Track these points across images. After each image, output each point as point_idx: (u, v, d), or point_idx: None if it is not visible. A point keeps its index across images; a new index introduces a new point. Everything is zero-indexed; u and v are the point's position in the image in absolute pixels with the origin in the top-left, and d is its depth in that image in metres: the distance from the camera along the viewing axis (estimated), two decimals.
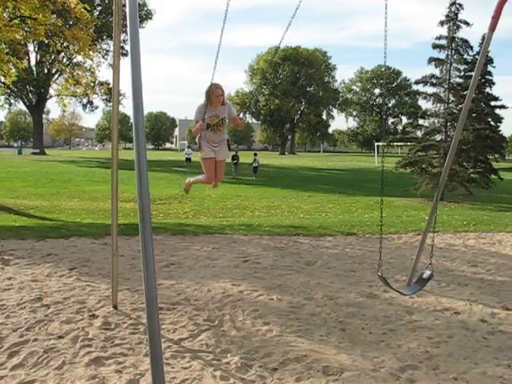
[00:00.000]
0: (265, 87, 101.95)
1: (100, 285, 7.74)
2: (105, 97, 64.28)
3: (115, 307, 6.72)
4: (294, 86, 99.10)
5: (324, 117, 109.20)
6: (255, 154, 37.03)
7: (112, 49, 6.86)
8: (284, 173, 42.32)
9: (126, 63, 6.89)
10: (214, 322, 6.33)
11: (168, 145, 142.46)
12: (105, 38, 60.94)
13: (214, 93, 6.21)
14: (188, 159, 48.35)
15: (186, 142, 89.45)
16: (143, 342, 5.60)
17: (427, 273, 6.50)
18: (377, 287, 7.85)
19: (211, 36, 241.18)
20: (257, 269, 8.99)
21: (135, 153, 3.40)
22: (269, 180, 34.64)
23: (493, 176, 26.02)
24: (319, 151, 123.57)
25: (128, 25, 3.45)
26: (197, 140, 6.56)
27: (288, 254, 10.23)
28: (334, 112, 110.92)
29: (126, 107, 66.93)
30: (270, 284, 8.03)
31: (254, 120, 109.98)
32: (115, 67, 6.07)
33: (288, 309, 6.88)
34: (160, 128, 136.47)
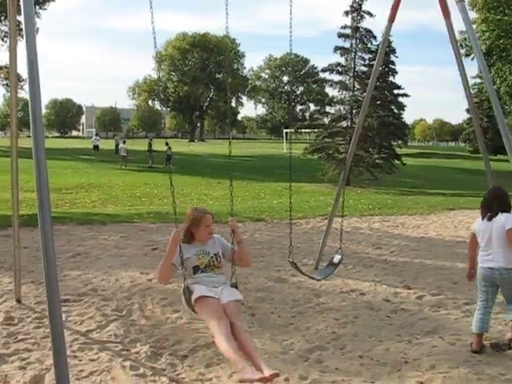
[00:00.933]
0: (173, 74, 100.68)
1: (2, 278, 7.44)
2: (5, 82, 61.24)
3: (18, 301, 6.48)
4: (203, 73, 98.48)
5: (233, 104, 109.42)
6: (167, 144, 36.78)
7: None
8: (194, 160, 42.11)
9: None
10: (122, 311, 6.24)
11: (75, 132, 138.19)
12: (2, 18, 57.90)
13: (204, 221, 4.72)
14: (96, 146, 47.00)
15: (93, 129, 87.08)
16: (49, 336, 5.43)
17: (337, 257, 6.69)
18: (285, 271, 7.99)
19: (116, 20, 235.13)
20: None
21: (32, 140, 3.26)
22: (179, 168, 34.39)
23: (396, 161, 27.08)
24: (228, 138, 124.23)
25: (22, 4, 3.29)
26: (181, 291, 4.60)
27: None
28: (243, 99, 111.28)
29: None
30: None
31: (162, 107, 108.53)
32: (12, 50, 5.80)
33: None
34: (66, 115, 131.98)
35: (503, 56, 35.13)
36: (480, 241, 5.50)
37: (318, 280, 6.90)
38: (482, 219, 5.47)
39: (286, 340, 5.55)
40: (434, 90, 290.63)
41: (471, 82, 49.06)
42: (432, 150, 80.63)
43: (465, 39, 35.94)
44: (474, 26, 36.36)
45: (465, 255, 9.70)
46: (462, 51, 30.82)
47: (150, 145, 36.49)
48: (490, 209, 5.39)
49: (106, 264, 8.33)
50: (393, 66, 32.50)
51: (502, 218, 5.28)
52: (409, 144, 76.75)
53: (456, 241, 11.33)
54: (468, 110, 65.66)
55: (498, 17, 33.88)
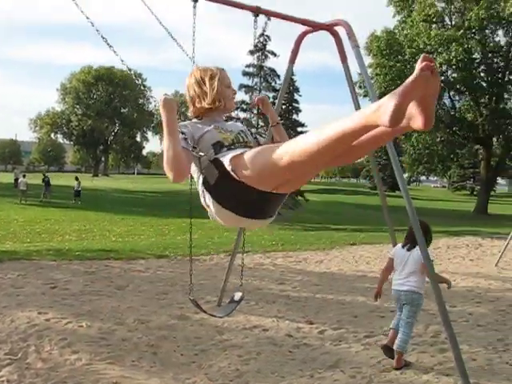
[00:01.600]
0: (78, 107, 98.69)
1: None
2: None
3: None
4: (108, 107, 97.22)
5: (138, 139, 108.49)
6: (77, 178, 35.92)
7: None
8: (97, 195, 41.16)
9: None
10: (17, 354, 5.91)
11: None
12: None
13: (223, 81, 3.37)
14: None
15: None
16: None
17: (238, 294, 6.67)
18: (188, 309, 7.89)
19: (16, 50, 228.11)
20: (65, 295, 8.59)
21: None
22: (81, 203, 33.52)
23: (299, 197, 27.68)
24: (133, 173, 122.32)
25: None
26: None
27: (99, 279, 9.92)
28: (149, 134, 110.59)
29: None
30: (80, 310, 7.71)
31: (65, 140, 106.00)
32: None
33: (98, 335, 6.65)
34: None
35: None
36: (396, 266, 6.27)
37: (220, 317, 6.86)
38: (403, 247, 6.27)
39: (189, 379, 5.46)
40: None
41: None
42: (335, 186, 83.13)
43: (363, 81, 37.78)
44: (370, 70, 38.36)
45: (364, 289, 10.11)
46: (361, 91, 32.31)
47: (44, 178, 35.55)
48: (412, 240, 6.07)
49: (1, 304, 7.90)
50: (296, 105, 33.48)
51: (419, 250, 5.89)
52: (312, 180, 78.79)
53: (357, 275, 11.65)
54: None
55: (391, 63, 35.88)
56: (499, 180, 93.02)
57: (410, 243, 6.18)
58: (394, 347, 6.03)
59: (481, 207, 38.77)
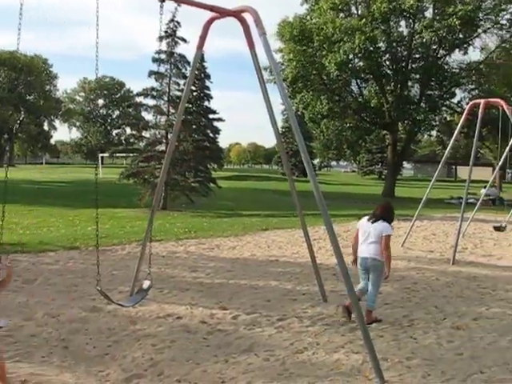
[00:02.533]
0: None
1: None
2: None
3: None
4: (11, 94, 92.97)
5: (46, 127, 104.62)
6: None
7: None
8: (1, 187, 39.41)
9: None
10: None
11: None
12: None
13: None
14: None
15: None
16: None
17: (147, 283, 6.62)
18: (100, 300, 7.73)
19: None
20: None
21: None
22: None
23: (212, 184, 27.65)
24: (41, 163, 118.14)
25: None
26: None
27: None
28: (57, 122, 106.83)
29: None
30: None
31: None
32: None
33: (4, 333, 6.39)
34: None
35: (308, 84, 37.77)
36: (361, 236, 7.32)
37: (127, 307, 6.79)
38: (368, 220, 7.31)
39: (102, 371, 5.39)
40: (249, 115, 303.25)
41: (282, 107, 51.92)
42: (248, 172, 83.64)
43: None
44: (279, 56, 38.75)
45: (277, 273, 10.30)
46: (272, 77, 32.59)
47: None
48: (376, 215, 7.24)
49: None
50: (208, 91, 33.30)
51: (381, 225, 7.14)
52: (225, 167, 78.95)
53: (269, 260, 11.84)
54: (280, 135, 69.44)
55: (304, 47, 36.41)
56: (405, 164, 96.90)
57: (374, 218, 7.23)
58: (366, 307, 7.10)
59: (388, 190, 40.15)
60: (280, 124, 70.66)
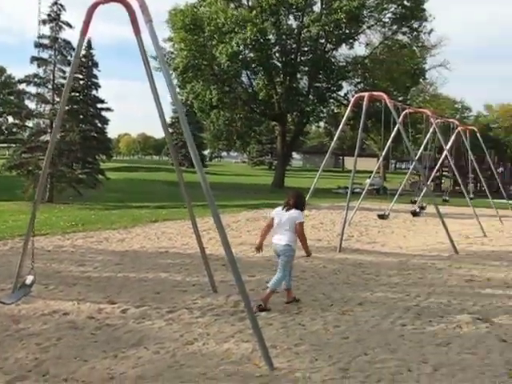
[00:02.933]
0: None
1: None
2: None
3: None
4: None
5: None
6: None
7: None
8: None
9: None
10: None
11: None
12: None
13: None
14: None
15: None
16: None
17: (30, 278, 6.36)
18: None
19: None
20: None
21: None
22: None
23: (100, 176, 26.99)
24: None
25: None
26: None
27: None
28: None
29: None
30: None
31: None
32: None
33: None
34: None
35: (198, 74, 37.65)
36: (275, 224, 7.68)
37: (9, 304, 6.49)
38: (282, 209, 7.70)
39: None
40: (139, 105, 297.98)
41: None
42: (137, 163, 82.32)
43: (164, 54, 37.68)
44: (169, 45, 38.30)
45: (167, 265, 10.26)
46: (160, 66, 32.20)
47: None
48: (289, 204, 7.64)
49: None
50: (95, 80, 32.39)
51: (295, 212, 7.56)
52: (114, 158, 77.15)
53: (159, 252, 11.74)
54: (170, 125, 68.80)
55: (195, 37, 36.21)
56: (294, 155, 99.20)
57: (288, 206, 7.66)
58: (268, 286, 7.60)
59: (278, 181, 40.97)
60: (170, 114, 70.13)
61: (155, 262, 10.55)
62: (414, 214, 17.87)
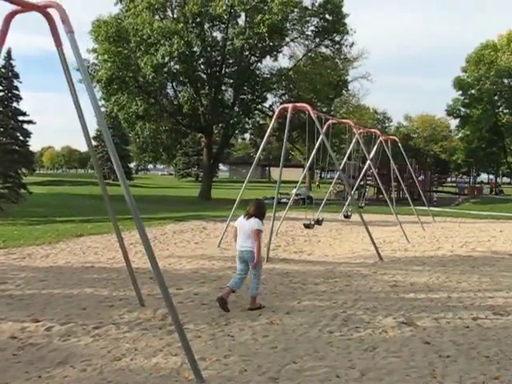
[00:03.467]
0: None
1: None
2: None
3: None
4: None
5: None
6: None
7: None
8: None
9: None
10: None
11: None
12: None
13: None
14: None
15: None
16: None
17: None
18: None
19: None
20: None
21: None
22: None
23: (23, 190, 26.15)
24: None
25: None
26: None
27: None
28: None
29: None
30: None
31: None
32: None
33: None
34: None
35: (123, 86, 37.13)
36: (238, 232, 8.29)
37: None
38: (244, 217, 8.28)
39: None
40: (64, 117, 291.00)
41: None
42: (62, 177, 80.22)
43: (88, 66, 36.96)
44: (93, 56, 37.61)
45: (93, 280, 10.03)
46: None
47: None
48: (250, 213, 8.22)
49: None
50: (16, 92, 31.47)
51: (254, 221, 8.12)
52: (37, 172, 75.05)
53: (84, 267, 11.44)
54: (95, 138, 67.55)
55: (119, 49, 35.72)
56: (221, 166, 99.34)
57: (248, 215, 8.22)
58: (249, 295, 8.27)
59: (204, 193, 40.90)
60: (96, 126, 68.83)
61: (81, 278, 10.27)
62: (308, 226, 16.04)
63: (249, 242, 8.12)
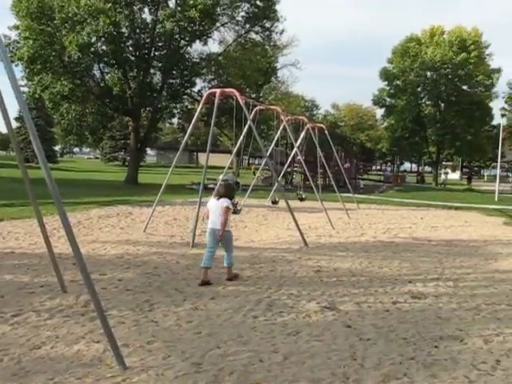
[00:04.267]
0: None
1: None
2: None
3: None
4: None
5: None
6: None
7: None
8: None
9: None
10: None
11: None
12: None
13: None
14: None
15: None
16: None
17: None
18: None
19: None
20: None
21: None
22: None
23: None
24: None
25: None
26: None
27: None
28: None
29: None
30: None
31: None
32: None
33: None
34: None
35: (47, 66, 35.83)
36: (210, 212, 9.27)
37: None
38: (214, 198, 9.50)
39: None
40: None
41: (22, 89, 48.67)
42: None
43: (9, 44, 35.49)
44: (14, 34, 36.07)
45: (12, 266, 9.76)
46: (9, 55, 30.26)
47: None
48: (220, 193, 9.32)
49: None
50: None
51: (223, 199, 9.17)
52: None
53: (4, 252, 11.05)
54: (17, 119, 65.09)
55: (43, 26, 34.40)
56: (148, 151, 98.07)
57: (219, 196, 9.29)
58: (225, 264, 9.40)
59: (131, 177, 40.17)
60: (18, 107, 66.40)
61: (0, 264, 9.94)
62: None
63: (220, 220, 9.10)
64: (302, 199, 22.14)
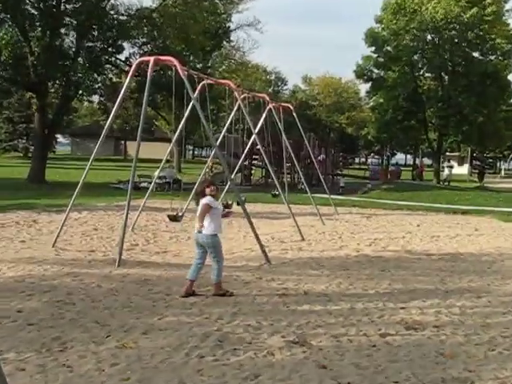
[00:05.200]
0: None
1: None
2: None
3: None
4: None
5: None
6: None
7: None
8: None
9: None
10: None
11: None
12: None
13: None
14: None
15: None
16: None
17: None
18: None
19: None
20: None
21: None
22: None
23: None
24: None
25: None
26: None
27: None
28: None
29: None
30: None
31: None
32: None
33: None
34: None
35: None
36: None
37: None
38: (196, 202, 10.46)
39: None
40: None
41: None
42: None
43: None
44: None
45: None
46: None
47: None
48: (201, 193, 10.29)
49: None
50: None
51: (205, 198, 10.09)
52: None
53: None
54: None
55: None
56: (60, 138, 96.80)
57: (201, 195, 10.28)
58: (212, 280, 10.19)
59: (36, 173, 39.45)
60: None
61: None
62: (174, 218, 16.19)
63: (205, 224, 9.97)
64: (275, 195, 22.47)
